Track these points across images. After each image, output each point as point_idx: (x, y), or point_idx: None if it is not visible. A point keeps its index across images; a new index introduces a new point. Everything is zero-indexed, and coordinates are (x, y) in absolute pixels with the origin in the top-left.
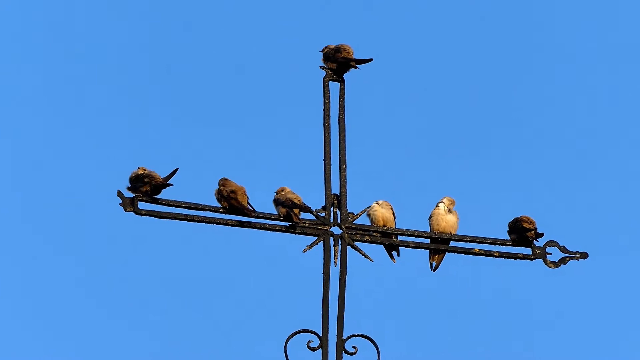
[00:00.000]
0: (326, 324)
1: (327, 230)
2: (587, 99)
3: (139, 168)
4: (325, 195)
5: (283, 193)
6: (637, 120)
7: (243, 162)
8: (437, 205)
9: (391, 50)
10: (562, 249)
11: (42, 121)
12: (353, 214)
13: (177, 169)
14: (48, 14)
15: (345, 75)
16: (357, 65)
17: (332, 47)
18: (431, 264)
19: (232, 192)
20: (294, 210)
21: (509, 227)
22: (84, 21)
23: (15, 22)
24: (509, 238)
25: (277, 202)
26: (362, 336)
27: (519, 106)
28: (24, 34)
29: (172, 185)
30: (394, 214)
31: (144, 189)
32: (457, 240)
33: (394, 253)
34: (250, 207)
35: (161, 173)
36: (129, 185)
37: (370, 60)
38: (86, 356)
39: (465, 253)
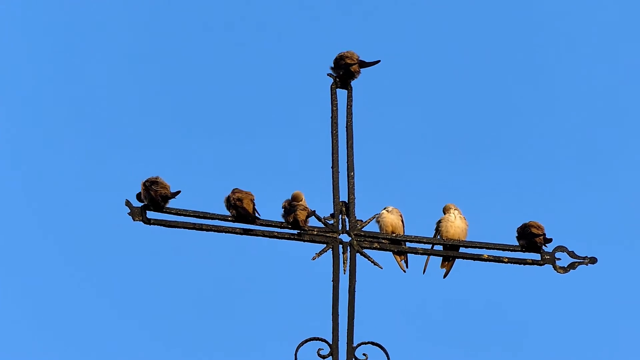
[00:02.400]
0: (336, 331)
1: (336, 237)
2: (595, 105)
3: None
4: (334, 202)
5: (290, 201)
6: None
7: (251, 171)
8: (445, 212)
9: (398, 58)
10: (571, 254)
11: (52, 130)
12: (362, 221)
13: (179, 191)
14: (61, 18)
15: (352, 83)
16: (359, 69)
17: (340, 55)
18: (440, 270)
19: (239, 199)
20: (297, 215)
21: (518, 233)
22: (98, 29)
23: (28, 26)
24: (517, 244)
25: (284, 212)
26: (372, 343)
27: (527, 112)
28: (37, 40)
29: (174, 198)
30: (402, 221)
31: (152, 195)
32: (466, 247)
33: (403, 262)
34: (256, 214)
35: (171, 181)
36: (144, 181)
37: (378, 62)
38: None
39: (474, 259)
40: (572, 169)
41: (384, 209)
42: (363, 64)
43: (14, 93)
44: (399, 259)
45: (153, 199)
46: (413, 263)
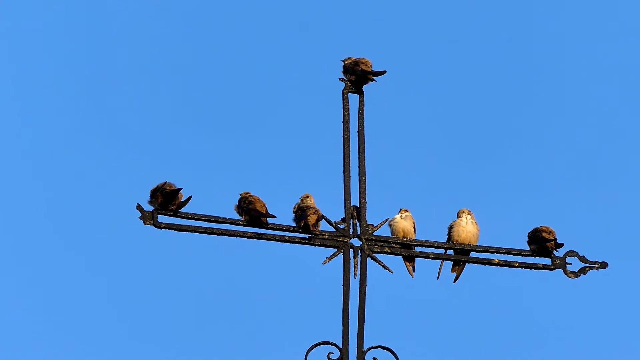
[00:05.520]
0: (346, 335)
1: (346, 242)
2: (607, 109)
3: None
4: (345, 207)
5: (301, 204)
6: None
7: (262, 174)
8: (458, 217)
9: (410, 62)
10: (582, 259)
11: (62, 133)
12: (373, 225)
13: (190, 196)
14: (64, 19)
15: (364, 87)
16: (375, 78)
17: (352, 59)
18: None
19: (250, 203)
20: (308, 219)
21: (529, 238)
22: (105, 30)
23: (41, 29)
24: (528, 248)
25: (295, 217)
26: (383, 347)
27: (538, 117)
28: (38, 41)
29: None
30: (415, 227)
31: (159, 200)
32: (477, 251)
33: (412, 268)
34: (269, 215)
35: (181, 184)
36: (149, 199)
37: (384, 72)
38: None
39: (485, 264)
40: (583, 174)
41: (399, 212)
42: (375, 73)
43: (19, 95)
44: (408, 264)
45: (168, 193)
46: (424, 267)
